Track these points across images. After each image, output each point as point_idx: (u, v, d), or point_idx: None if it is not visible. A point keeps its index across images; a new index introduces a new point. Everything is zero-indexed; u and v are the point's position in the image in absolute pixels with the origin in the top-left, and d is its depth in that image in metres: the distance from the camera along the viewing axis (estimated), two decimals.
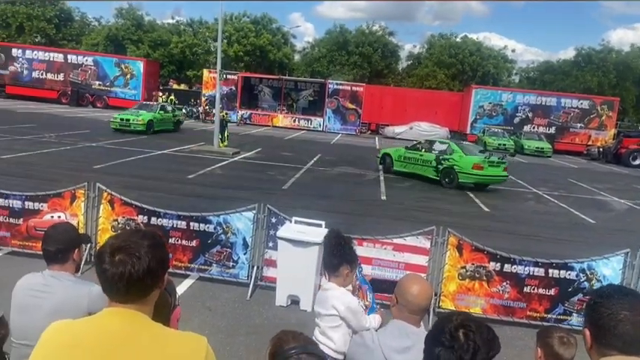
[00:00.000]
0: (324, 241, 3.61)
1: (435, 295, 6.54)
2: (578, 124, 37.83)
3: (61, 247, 2.68)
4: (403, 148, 18.70)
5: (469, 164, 16.17)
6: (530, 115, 38.35)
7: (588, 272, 6.37)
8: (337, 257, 3.42)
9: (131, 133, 23.93)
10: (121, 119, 24.85)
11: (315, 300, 3.63)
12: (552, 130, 37.80)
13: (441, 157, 16.92)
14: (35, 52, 41.10)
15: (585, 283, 6.36)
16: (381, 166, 19.36)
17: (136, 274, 1.57)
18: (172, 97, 38.15)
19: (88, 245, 6.85)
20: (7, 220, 7.30)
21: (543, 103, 38.37)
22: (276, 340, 1.75)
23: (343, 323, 3.40)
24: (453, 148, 16.96)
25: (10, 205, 7.28)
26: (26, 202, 7.27)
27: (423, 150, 17.82)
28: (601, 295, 1.73)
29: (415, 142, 19.60)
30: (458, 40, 58.03)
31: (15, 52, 40.74)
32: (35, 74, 40.31)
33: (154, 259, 1.62)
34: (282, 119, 39.70)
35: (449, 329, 1.65)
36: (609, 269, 6.34)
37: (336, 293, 3.39)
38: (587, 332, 1.72)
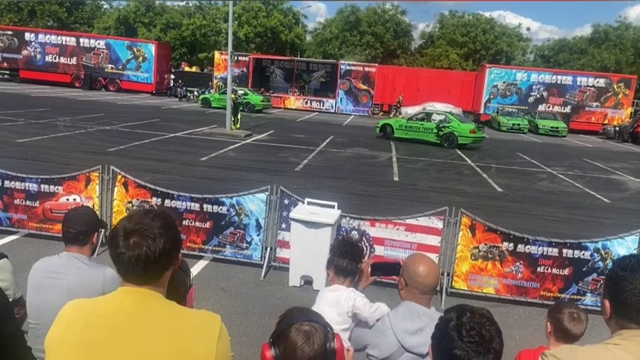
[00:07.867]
0: (335, 246, 3.48)
1: (448, 275, 6.56)
2: (594, 103, 37.13)
3: (82, 229, 2.75)
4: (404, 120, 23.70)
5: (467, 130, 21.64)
6: (545, 94, 37.70)
7: (603, 252, 6.33)
8: (354, 264, 3.23)
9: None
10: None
11: (320, 301, 3.51)
12: (568, 109, 37.18)
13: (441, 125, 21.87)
14: (48, 36, 41.00)
15: (600, 262, 6.32)
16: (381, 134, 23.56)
17: (153, 255, 1.58)
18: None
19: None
20: (24, 202, 7.39)
21: (558, 82, 37.67)
22: (284, 313, 1.78)
23: (352, 326, 3.34)
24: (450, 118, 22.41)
25: (27, 188, 7.37)
26: (42, 185, 7.36)
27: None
28: (624, 267, 1.68)
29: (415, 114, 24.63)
30: (470, 18, 57.19)
31: (28, 36, 40.62)
32: (48, 58, 40.32)
33: (168, 239, 1.63)
34: (294, 101, 39.49)
35: (459, 329, 1.58)
36: (624, 249, 6.29)
37: (345, 294, 3.20)
38: (608, 304, 1.70)
